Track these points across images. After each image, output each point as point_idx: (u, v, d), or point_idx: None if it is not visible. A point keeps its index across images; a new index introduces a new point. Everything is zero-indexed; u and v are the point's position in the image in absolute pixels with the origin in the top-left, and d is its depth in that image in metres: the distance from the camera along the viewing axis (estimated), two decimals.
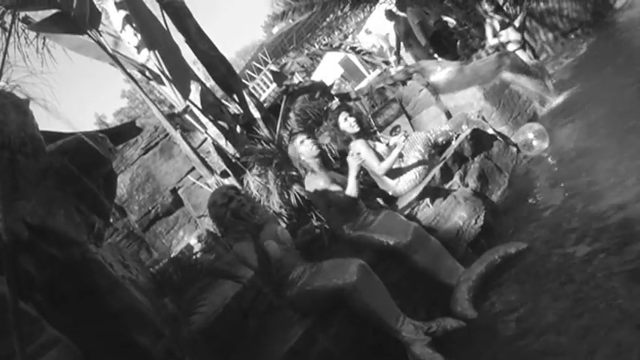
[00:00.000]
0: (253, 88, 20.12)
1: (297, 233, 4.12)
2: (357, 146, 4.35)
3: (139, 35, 5.18)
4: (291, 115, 5.26)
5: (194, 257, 4.72)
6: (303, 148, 3.89)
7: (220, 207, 3.23)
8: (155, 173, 6.46)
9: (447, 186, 4.14)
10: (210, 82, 7.54)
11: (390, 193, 4.38)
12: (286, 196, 4.60)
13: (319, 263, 3.23)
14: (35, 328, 1.78)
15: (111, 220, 5.75)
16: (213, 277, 4.13)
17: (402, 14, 9.93)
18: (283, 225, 4.50)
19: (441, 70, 5.68)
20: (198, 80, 5.65)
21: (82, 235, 2.45)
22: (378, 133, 5.10)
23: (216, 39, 5.90)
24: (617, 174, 3.23)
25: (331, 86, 6.31)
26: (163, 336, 2.43)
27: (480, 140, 4.47)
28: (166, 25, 5.42)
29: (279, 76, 6.94)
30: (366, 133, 4.77)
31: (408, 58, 10.27)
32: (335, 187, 3.77)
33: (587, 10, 8.17)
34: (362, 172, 4.62)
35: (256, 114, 5.58)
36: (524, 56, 7.14)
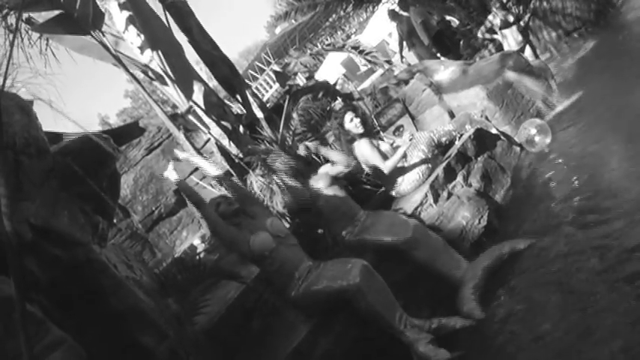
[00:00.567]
0: (256, 88, 20.14)
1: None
2: (362, 145, 4.35)
3: (142, 36, 5.18)
4: (294, 115, 5.26)
5: (198, 257, 4.73)
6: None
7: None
8: (158, 174, 6.47)
9: (450, 186, 4.14)
10: (213, 83, 7.54)
11: (393, 193, 4.38)
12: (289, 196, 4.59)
13: (323, 263, 3.24)
14: (40, 329, 1.78)
15: (115, 221, 5.76)
16: (216, 278, 4.13)
17: (404, 14, 9.92)
18: (287, 225, 4.51)
19: (444, 70, 5.68)
20: (201, 80, 5.65)
21: (86, 236, 2.45)
22: (381, 132, 5.09)
23: (218, 39, 5.91)
24: (621, 174, 3.22)
25: (334, 85, 6.31)
26: (167, 336, 2.44)
27: (483, 140, 4.46)
28: (169, 26, 5.43)
29: (282, 77, 6.93)
30: (370, 133, 4.77)
31: (411, 57, 10.25)
32: (335, 189, 3.82)
33: (591, 9, 8.15)
34: (364, 172, 4.63)
35: (259, 114, 5.58)
36: (527, 56, 7.13)
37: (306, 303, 3.11)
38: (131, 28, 5.25)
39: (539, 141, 4.41)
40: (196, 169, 5.88)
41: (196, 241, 5.21)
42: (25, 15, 4.43)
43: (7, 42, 4.38)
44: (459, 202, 3.77)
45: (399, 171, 4.30)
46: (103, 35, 4.75)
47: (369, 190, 4.70)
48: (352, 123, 4.42)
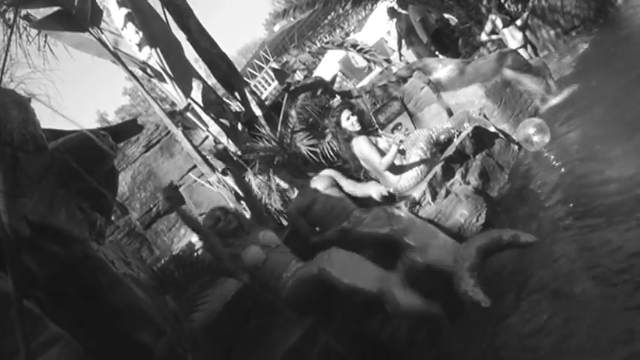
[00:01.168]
0: (255, 86, 20.09)
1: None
2: (359, 143, 4.36)
3: (140, 33, 5.18)
4: (293, 112, 5.26)
5: (195, 255, 4.72)
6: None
7: (209, 229, 3.67)
8: (156, 171, 6.47)
9: (448, 184, 4.14)
10: (211, 80, 7.53)
11: (392, 190, 4.38)
12: (287, 194, 4.60)
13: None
14: (37, 326, 1.78)
15: (112, 218, 5.76)
16: (214, 275, 4.13)
17: (403, 12, 9.91)
18: (285, 223, 4.51)
19: (443, 68, 5.67)
20: (199, 78, 5.65)
21: (84, 233, 2.45)
22: (379, 130, 5.09)
23: (217, 37, 5.90)
24: (619, 171, 3.22)
25: (332, 83, 6.30)
26: (165, 333, 2.44)
27: (481, 138, 4.46)
28: (168, 23, 5.42)
29: (280, 74, 6.93)
30: (368, 130, 4.77)
31: (409, 55, 10.24)
32: (333, 191, 3.86)
33: (590, 7, 8.13)
34: (363, 170, 4.64)
35: (258, 112, 5.58)
36: (525, 54, 7.13)
37: (292, 297, 3.21)
38: (130, 25, 5.24)
39: (538, 140, 4.41)
40: (194, 166, 5.89)
41: (194, 239, 5.20)
42: (23, 11, 4.42)
43: (5, 38, 4.37)
44: (457, 200, 3.77)
45: (398, 169, 4.31)
46: (102, 32, 4.74)
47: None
48: (349, 121, 4.42)
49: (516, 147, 4.57)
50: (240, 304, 3.56)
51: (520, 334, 2.54)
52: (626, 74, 4.80)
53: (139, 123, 6.51)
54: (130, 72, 4.74)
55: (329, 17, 12.84)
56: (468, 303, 2.79)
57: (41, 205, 2.24)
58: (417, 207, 3.92)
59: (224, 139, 5.29)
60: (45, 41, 4.78)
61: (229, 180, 4.81)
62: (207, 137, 5.57)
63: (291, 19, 12.41)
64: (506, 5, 8.33)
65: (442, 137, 4.53)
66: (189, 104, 5.20)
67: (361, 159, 4.47)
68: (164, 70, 5.11)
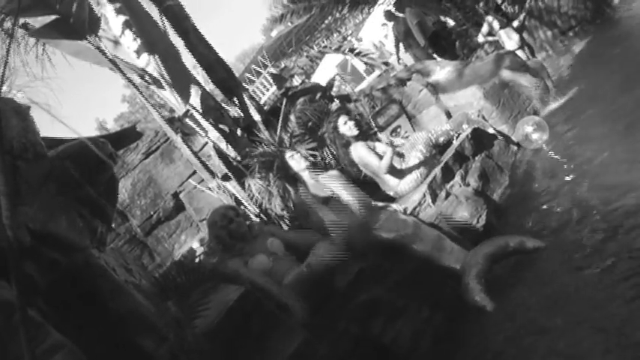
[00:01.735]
0: (253, 91, 20.11)
1: None
2: (358, 148, 4.36)
3: (138, 40, 5.18)
4: (292, 117, 5.26)
5: (197, 261, 4.72)
6: (293, 163, 4.06)
7: (220, 228, 3.49)
8: (156, 178, 6.46)
9: (448, 186, 4.14)
10: (210, 86, 7.53)
11: (392, 193, 4.38)
12: (288, 199, 4.59)
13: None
14: (39, 333, 1.78)
15: (113, 225, 5.75)
16: (216, 281, 4.12)
17: (400, 15, 9.94)
18: (285, 228, 4.51)
19: (441, 70, 5.68)
20: (198, 84, 5.65)
21: (85, 240, 2.45)
22: (378, 134, 5.10)
23: (215, 43, 5.91)
24: (617, 171, 3.22)
25: (331, 87, 6.31)
26: (167, 340, 2.43)
27: (480, 139, 4.47)
28: (165, 30, 5.42)
29: (279, 79, 6.95)
30: (366, 135, 4.78)
31: (407, 59, 10.26)
32: (350, 191, 3.87)
33: (586, 8, 8.16)
34: (363, 174, 4.64)
35: (257, 117, 5.58)
36: (522, 55, 7.14)
37: (295, 291, 3.21)
38: (127, 32, 5.24)
39: (537, 138, 4.42)
40: (194, 172, 5.88)
41: (195, 245, 5.20)
42: (21, 20, 4.43)
43: (3, 47, 4.37)
44: (458, 202, 3.78)
45: (398, 172, 4.31)
46: (100, 40, 4.75)
47: None
48: (346, 126, 4.44)
49: (515, 148, 4.58)
50: (242, 310, 3.55)
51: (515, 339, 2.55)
52: (623, 74, 4.81)
53: (138, 130, 6.52)
54: (129, 79, 4.74)
55: (326, 22, 12.84)
56: (474, 308, 2.86)
57: (41, 212, 2.24)
58: (418, 209, 3.92)
59: (223, 144, 5.29)
60: (43, 50, 4.78)
61: (229, 185, 4.81)
62: (206, 143, 5.56)
63: (289, 24, 12.43)
64: (502, 7, 8.35)
65: (441, 139, 4.54)
66: (188, 110, 5.20)
67: (360, 164, 4.48)
68: (162, 76, 5.11)
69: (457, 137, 4.54)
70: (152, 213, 6.40)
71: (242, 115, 5.72)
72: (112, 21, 5.28)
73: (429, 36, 9.70)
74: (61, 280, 2.17)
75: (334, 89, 6.37)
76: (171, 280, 3.55)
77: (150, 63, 5.17)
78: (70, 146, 2.81)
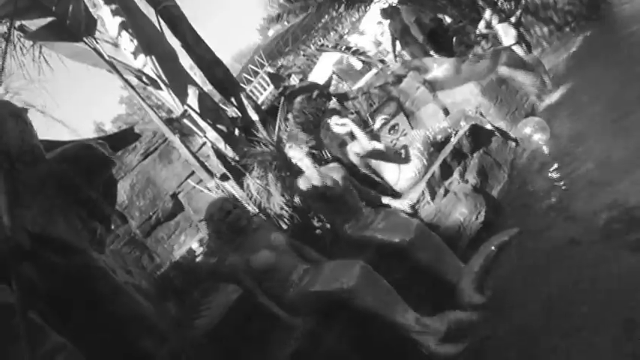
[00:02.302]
0: (251, 91, 20.08)
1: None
2: (354, 148, 4.37)
3: (135, 41, 5.18)
4: (290, 116, 5.26)
5: (196, 261, 4.72)
6: (293, 153, 4.01)
7: (218, 221, 3.35)
8: (155, 178, 6.46)
9: (446, 183, 4.14)
10: (207, 87, 7.53)
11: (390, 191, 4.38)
12: (287, 198, 4.59)
13: (321, 265, 3.24)
14: (40, 335, 1.78)
15: (112, 227, 5.75)
16: (215, 281, 4.12)
17: (401, 6, 9.89)
18: (284, 227, 4.51)
19: (438, 67, 5.68)
20: (195, 85, 5.64)
21: (84, 242, 2.45)
22: (374, 130, 5.10)
23: (212, 43, 5.91)
24: (614, 166, 3.23)
25: (328, 85, 6.31)
26: (167, 340, 2.44)
27: (478, 136, 4.48)
28: (162, 31, 5.42)
29: (276, 78, 6.95)
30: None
31: (404, 56, 10.25)
32: (348, 182, 3.84)
33: (582, 3, 8.17)
34: (361, 172, 4.64)
35: (254, 116, 5.58)
36: (520, 51, 7.15)
37: (302, 304, 3.11)
38: (124, 33, 5.24)
39: (537, 138, 4.42)
40: (193, 172, 5.88)
41: (194, 245, 5.19)
42: (17, 23, 4.42)
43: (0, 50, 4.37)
44: (456, 199, 3.78)
45: (396, 170, 4.31)
46: (96, 42, 4.74)
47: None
48: (339, 125, 4.44)
49: (513, 144, 4.58)
50: (242, 310, 3.55)
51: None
52: (619, 68, 4.82)
53: (136, 131, 6.51)
54: (126, 80, 4.74)
55: (323, 20, 12.84)
56: (468, 307, 2.94)
57: (40, 215, 2.24)
58: (417, 207, 3.92)
59: (221, 144, 5.29)
60: (40, 52, 4.77)
61: (228, 185, 4.81)
62: (204, 143, 5.56)
63: (285, 23, 12.43)
64: (499, 3, 8.35)
65: (439, 137, 4.54)
66: (185, 111, 5.19)
67: (360, 165, 4.48)
68: (160, 77, 5.10)
69: (455, 134, 4.55)
70: (151, 214, 6.39)
71: (240, 114, 5.72)
72: (109, 22, 5.28)
73: (426, 33, 9.69)
74: (60, 283, 2.17)
75: (332, 87, 6.37)
76: (171, 281, 3.54)
77: (147, 64, 5.16)
78: (68, 149, 2.81)
